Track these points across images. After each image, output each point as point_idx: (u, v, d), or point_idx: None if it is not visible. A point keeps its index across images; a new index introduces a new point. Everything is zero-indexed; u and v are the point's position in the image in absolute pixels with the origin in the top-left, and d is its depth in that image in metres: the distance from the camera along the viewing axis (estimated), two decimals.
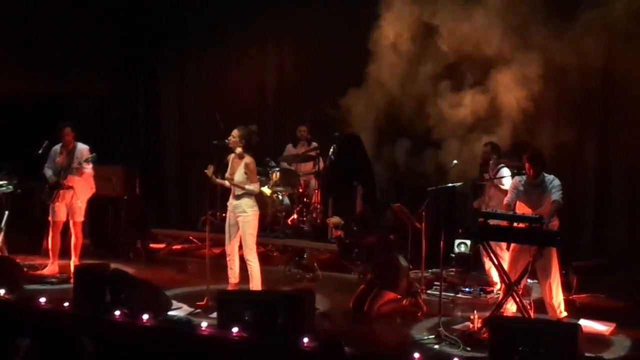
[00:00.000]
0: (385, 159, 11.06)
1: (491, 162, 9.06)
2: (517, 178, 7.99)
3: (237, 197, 8.36)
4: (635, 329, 7.54)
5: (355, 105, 11.03)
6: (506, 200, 7.96)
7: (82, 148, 9.76)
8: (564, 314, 7.72)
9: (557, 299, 7.71)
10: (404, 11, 10.68)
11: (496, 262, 7.66)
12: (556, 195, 7.64)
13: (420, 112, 10.62)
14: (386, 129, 11.12)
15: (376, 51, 10.87)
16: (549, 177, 7.77)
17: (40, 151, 9.79)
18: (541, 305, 7.92)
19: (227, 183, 8.46)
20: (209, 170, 8.37)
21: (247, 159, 8.32)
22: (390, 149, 11.04)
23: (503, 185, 8.78)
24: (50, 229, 9.86)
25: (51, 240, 9.86)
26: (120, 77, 14.07)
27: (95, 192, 10.02)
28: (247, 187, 8.31)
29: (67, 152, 9.76)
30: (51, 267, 9.86)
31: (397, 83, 10.77)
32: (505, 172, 8.83)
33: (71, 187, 9.67)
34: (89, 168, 9.70)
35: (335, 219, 8.84)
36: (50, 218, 9.83)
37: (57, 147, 9.83)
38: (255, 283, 8.36)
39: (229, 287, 8.43)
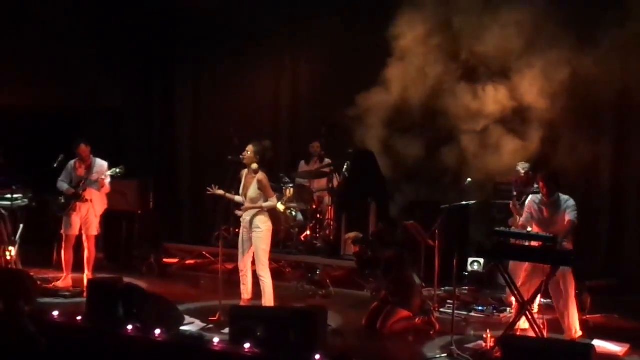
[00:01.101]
0: (399, 159, 10.98)
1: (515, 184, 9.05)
2: (531, 198, 7.98)
3: (251, 213, 8.35)
4: None
5: (369, 107, 10.98)
6: (521, 221, 7.99)
7: (102, 164, 9.79)
8: (579, 333, 7.68)
9: (573, 319, 7.68)
10: (424, 15, 10.64)
11: (509, 281, 7.64)
12: (572, 215, 7.63)
13: (437, 114, 10.60)
14: (401, 129, 11.04)
15: (393, 56, 10.83)
16: (564, 197, 7.75)
17: (55, 165, 9.84)
18: (555, 325, 7.88)
19: (237, 199, 8.48)
20: (214, 190, 8.41)
21: (260, 175, 8.32)
22: (404, 149, 10.96)
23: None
24: (63, 242, 9.88)
25: (64, 254, 9.87)
26: (135, 91, 14.17)
27: (107, 207, 10.05)
28: (264, 205, 8.31)
29: (86, 166, 9.80)
30: (64, 280, 9.88)
31: (414, 85, 10.72)
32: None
33: (89, 200, 9.71)
34: (108, 183, 9.72)
35: (354, 234, 8.83)
36: (63, 231, 9.86)
37: (73, 161, 9.87)
38: (268, 299, 8.35)
39: (242, 303, 8.41)
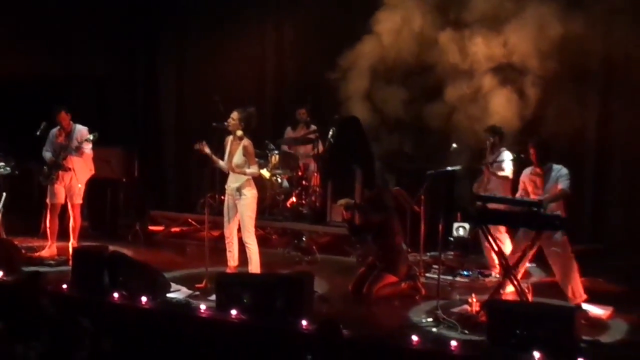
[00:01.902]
0: (384, 115, 10.90)
1: (488, 144, 9.03)
2: (524, 173, 7.91)
3: (236, 180, 8.34)
4: (633, 313, 7.54)
5: (355, 63, 10.88)
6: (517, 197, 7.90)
7: (81, 129, 9.72)
8: (584, 297, 7.59)
9: (575, 284, 7.56)
10: None
11: (494, 246, 7.66)
12: (564, 184, 7.57)
13: (424, 71, 10.49)
14: (387, 83, 10.92)
15: (381, 9, 10.69)
16: (557, 167, 7.70)
17: (38, 133, 9.76)
18: (539, 289, 7.93)
19: (221, 163, 8.42)
20: (203, 146, 8.31)
21: (245, 141, 8.29)
22: (388, 106, 10.83)
23: (503, 171, 8.76)
24: (48, 211, 9.84)
25: (49, 223, 9.82)
26: (119, 59, 14.01)
27: (94, 174, 10.00)
28: (247, 171, 8.29)
29: (66, 133, 9.72)
30: (49, 249, 9.84)
31: (402, 40, 10.57)
32: (506, 155, 8.78)
33: (70, 169, 9.64)
34: (88, 148, 9.66)
35: (344, 200, 8.82)
36: (48, 200, 9.81)
37: (55, 129, 9.79)
38: (254, 266, 8.36)
39: (228, 270, 8.42)
